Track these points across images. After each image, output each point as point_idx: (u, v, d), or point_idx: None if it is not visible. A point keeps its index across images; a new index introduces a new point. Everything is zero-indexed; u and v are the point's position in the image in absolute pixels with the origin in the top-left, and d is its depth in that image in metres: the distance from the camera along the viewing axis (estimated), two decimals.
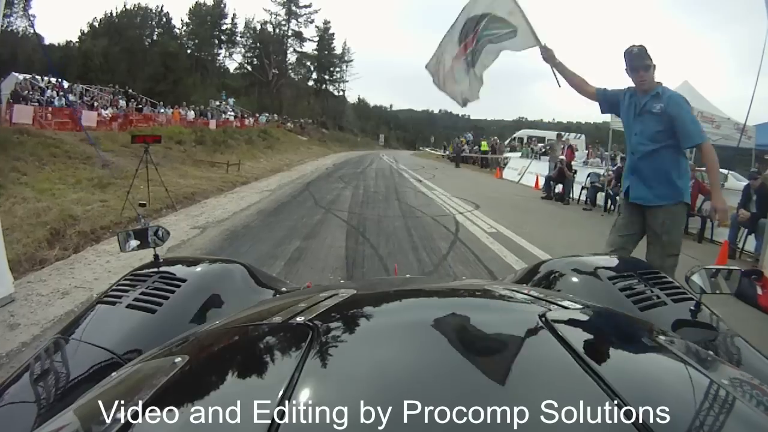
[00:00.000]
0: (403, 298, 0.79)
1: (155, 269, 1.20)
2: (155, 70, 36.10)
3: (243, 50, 47.02)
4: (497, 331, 0.61)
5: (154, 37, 41.60)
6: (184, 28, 44.37)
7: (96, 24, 39.15)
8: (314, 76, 49.93)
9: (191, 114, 21.06)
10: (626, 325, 0.75)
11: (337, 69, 50.57)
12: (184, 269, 1.22)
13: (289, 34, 46.09)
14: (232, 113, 25.72)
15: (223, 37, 47.79)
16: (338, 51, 50.42)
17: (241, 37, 47.91)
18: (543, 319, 0.61)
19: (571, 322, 0.64)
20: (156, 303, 1.04)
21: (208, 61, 45.91)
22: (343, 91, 53.19)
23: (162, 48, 37.69)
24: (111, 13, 39.46)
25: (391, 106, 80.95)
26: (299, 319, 0.63)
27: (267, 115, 34.42)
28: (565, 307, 0.70)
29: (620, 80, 2.70)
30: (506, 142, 22.24)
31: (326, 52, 48.77)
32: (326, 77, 50.37)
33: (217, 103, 28.21)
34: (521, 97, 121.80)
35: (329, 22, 49.01)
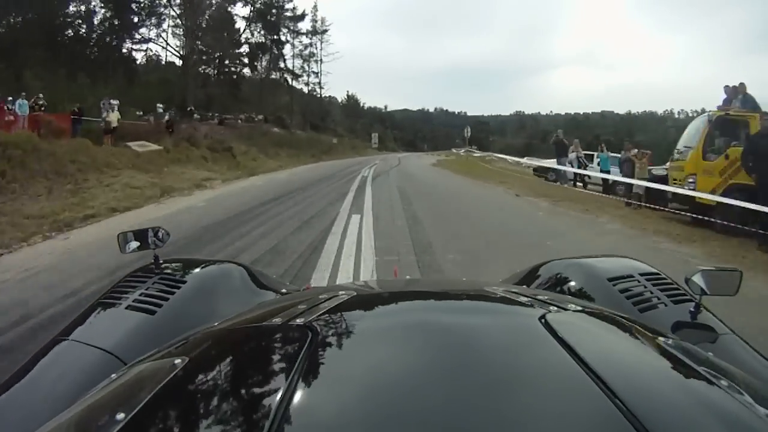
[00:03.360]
0: (403, 300, 0.80)
1: (155, 270, 1.19)
2: None
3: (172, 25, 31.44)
4: (497, 332, 0.61)
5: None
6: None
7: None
8: (252, 37, 33.63)
9: None
10: (626, 326, 0.72)
11: (310, 43, 34.85)
12: (183, 271, 1.22)
13: None
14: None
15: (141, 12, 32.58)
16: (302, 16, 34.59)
17: (164, 8, 32.69)
18: (543, 320, 0.60)
19: (571, 324, 0.64)
20: (156, 304, 1.04)
21: (125, 51, 30.46)
22: (316, 73, 37.60)
23: None
24: None
25: (386, 107, 71.11)
26: (299, 320, 0.63)
27: (141, 112, 18.74)
28: (565, 309, 0.69)
29: None
30: None
31: (275, 10, 32.77)
32: (275, 37, 34.39)
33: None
34: (516, 92, 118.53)
35: None
